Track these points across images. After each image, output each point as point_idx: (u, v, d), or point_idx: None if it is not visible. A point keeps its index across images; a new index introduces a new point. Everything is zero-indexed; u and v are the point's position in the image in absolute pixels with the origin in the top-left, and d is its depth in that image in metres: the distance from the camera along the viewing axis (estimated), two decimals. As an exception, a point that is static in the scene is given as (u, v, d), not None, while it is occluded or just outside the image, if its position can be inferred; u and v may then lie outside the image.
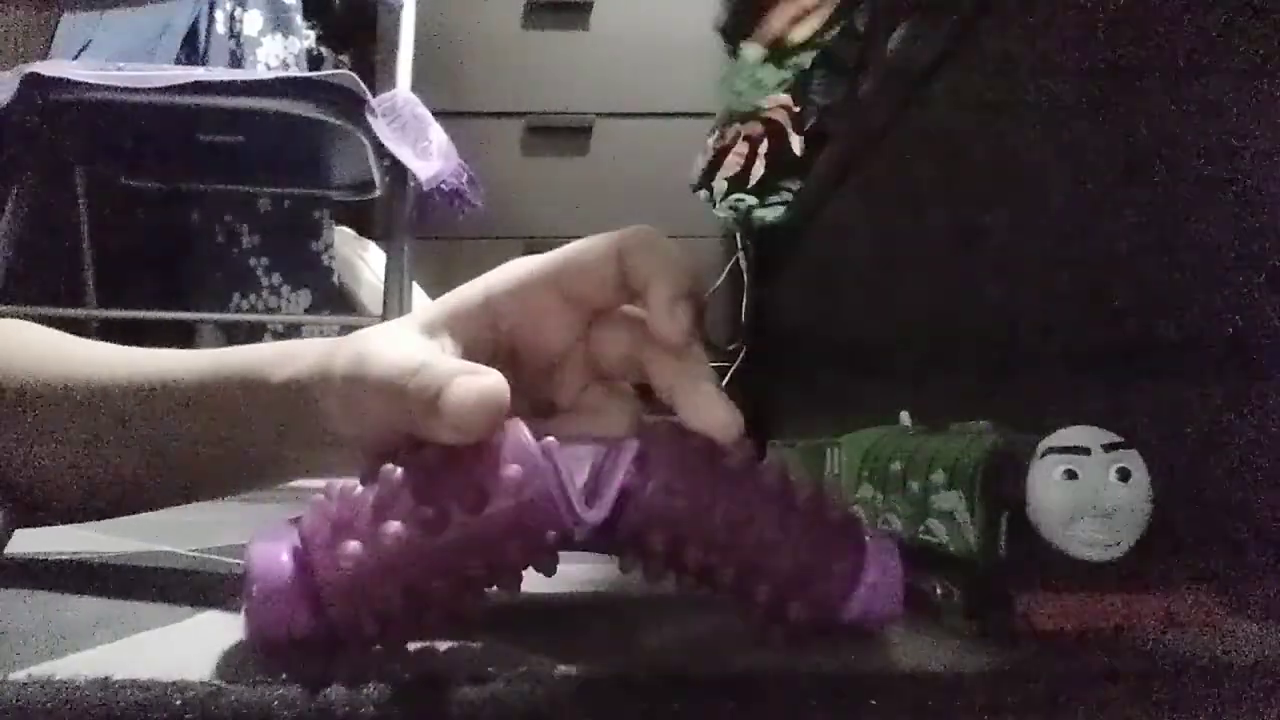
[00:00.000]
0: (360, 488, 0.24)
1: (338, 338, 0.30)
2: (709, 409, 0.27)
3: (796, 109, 1.06)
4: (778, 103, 1.09)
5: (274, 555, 0.24)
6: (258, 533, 0.25)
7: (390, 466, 0.24)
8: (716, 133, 1.21)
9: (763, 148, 1.13)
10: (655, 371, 0.28)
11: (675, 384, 0.27)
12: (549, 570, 0.26)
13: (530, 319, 0.29)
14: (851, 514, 0.27)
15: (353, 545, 0.23)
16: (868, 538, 0.27)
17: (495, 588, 0.25)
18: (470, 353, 0.29)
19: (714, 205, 1.26)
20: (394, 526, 0.23)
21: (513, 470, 0.24)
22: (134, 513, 0.39)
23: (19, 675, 0.22)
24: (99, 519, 0.39)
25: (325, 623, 0.23)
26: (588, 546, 0.26)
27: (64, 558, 0.45)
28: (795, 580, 0.26)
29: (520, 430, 0.25)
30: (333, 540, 0.23)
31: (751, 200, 1.19)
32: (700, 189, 1.27)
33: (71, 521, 0.39)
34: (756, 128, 1.12)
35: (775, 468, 0.27)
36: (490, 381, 0.25)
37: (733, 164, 1.17)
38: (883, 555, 0.27)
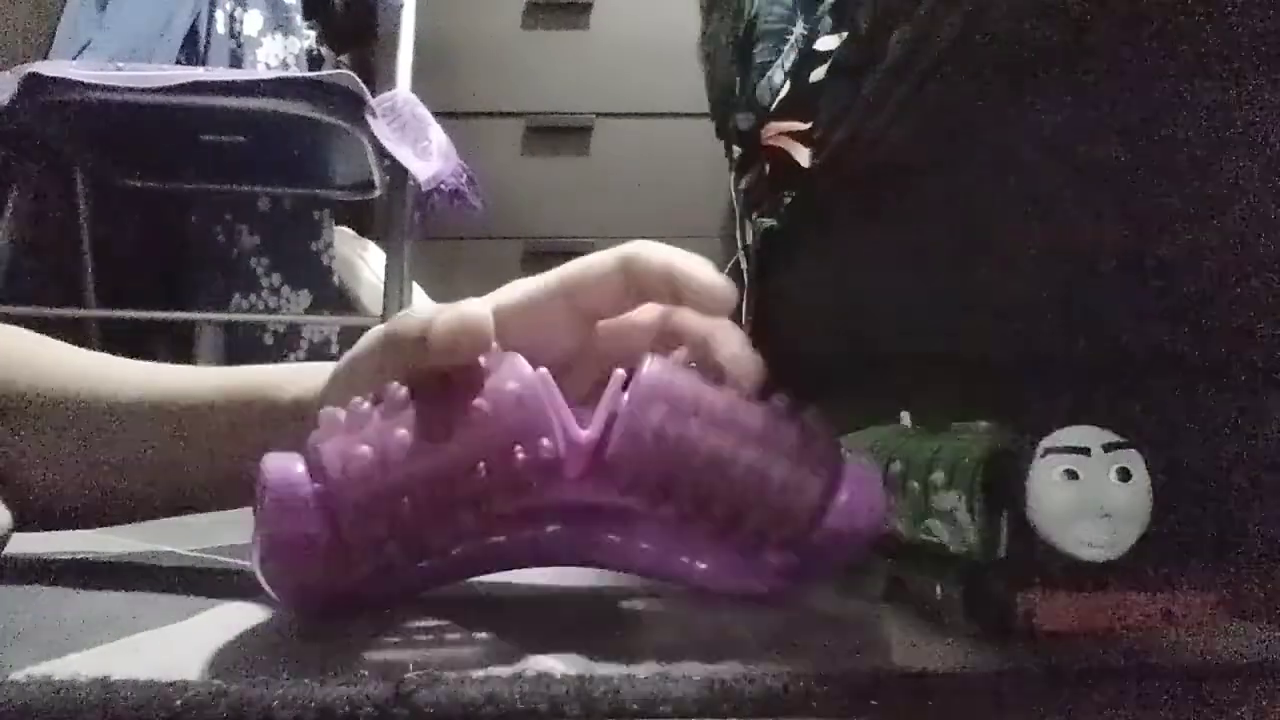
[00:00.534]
0: (368, 404, 0.26)
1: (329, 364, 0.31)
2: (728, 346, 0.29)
3: (806, 125, 1.06)
4: (779, 130, 1.09)
5: (288, 465, 0.25)
6: (271, 452, 0.26)
7: (396, 385, 0.26)
8: (745, 177, 1.22)
9: (765, 170, 1.14)
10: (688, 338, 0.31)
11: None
12: (548, 488, 0.26)
13: (539, 331, 0.31)
14: (829, 433, 0.28)
15: (363, 449, 0.24)
16: (846, 455, 0.28)
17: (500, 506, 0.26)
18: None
19: (749, 237, 1.28)
20: (401, 432, 0.24)
21: (511, 384, 0.26)
22: (140, 520, 0.39)
23: (19, 675, 0.22)
24: (103, 526, 0.40)
25: (338, 530, 0.24)
26: (584, 495, 0.28)
27: (64, 558, 0.45)
28: (775, 504, 0.27)
29: (517, 358, 0.27)
30: (343, 446, 0.24)
31: (768, 220, 1.20)
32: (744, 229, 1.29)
33: (76, 527, 0.40)
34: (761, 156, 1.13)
35: (759, 401, 0.28)
36: (471, 307, 0.27)
37: (764, 203, 1.19)
38: (860, 473, 0.28)
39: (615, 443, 0.26)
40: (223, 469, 0.34)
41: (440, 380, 0.26)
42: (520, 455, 0.25)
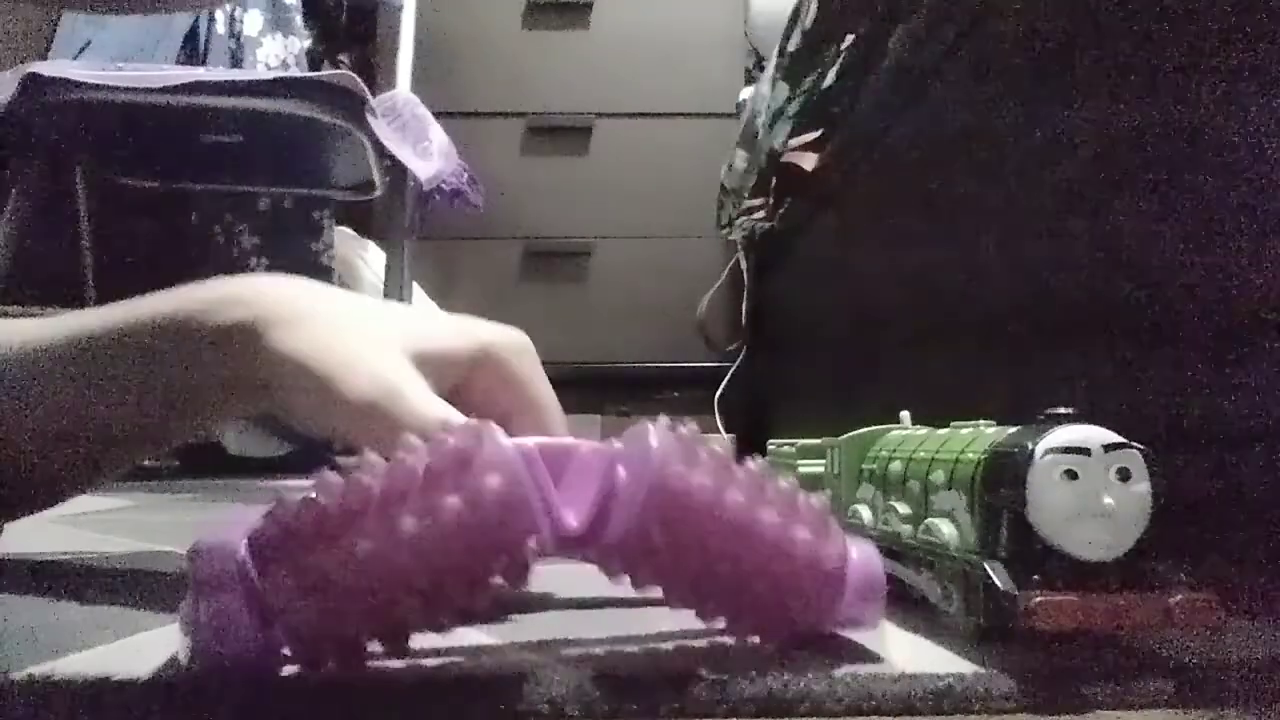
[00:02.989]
0: (321, 496, 0.22)
1: (288, 296, 0.30)
2: None
3: (817, 132, 1.06)
4: (800, 142, 1.09)
5: (223, 569, 0.22)
6: (202, 541, 0.23)
7: (358, 476, 0.22)
8: (745, 191, 1.22)
9: (773, 183, 1.14)
10: None
11: None
12: (521, 583, 0.24)
13: None
14: (834, 525, 0.27)
15: (315, 564, 0.21)
16: (851, 549, 0.27)
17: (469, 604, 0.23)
18: (440, 391, 0.30)
19: (730, 232, 1.28)
20: (364, 543, 0.21)
21: (492, 480, 0.22)
22: (101, 479, 0.38)
23: (19, 675, 0.22)
24: (67, 496, 0.38)
25: (277, 642, 0.22)
26: (568, 555, 0.25)
27: (64, 558, 0.45)
28: (773, 607, 0.25)
29: (496, 436, 0.23)
30: (292, 557, 0.22)
31: (762, 220, 1.20)
32: (723, 227, 1.29)
33: (43, 504, 0.38)
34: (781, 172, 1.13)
35: (755, 479, 0.25)
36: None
37: (760, 212, 1.19)
38: (864, 568, 0.27)
39: (612, 534, 0.24)
40: (157, 395, 0.33)
41: (411, 455, 0.23)
42: (500, 562, 0.23)
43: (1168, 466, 0.26)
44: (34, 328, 0.35)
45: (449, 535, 0.22)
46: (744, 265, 1.53)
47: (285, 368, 0.28)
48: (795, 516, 0.25)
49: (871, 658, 0.26)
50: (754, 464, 0.26)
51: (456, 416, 0.27)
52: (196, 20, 1.44)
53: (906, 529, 0.32)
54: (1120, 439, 0.26)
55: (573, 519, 0.24)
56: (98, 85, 1.05)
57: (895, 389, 0.77)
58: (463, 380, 0.32)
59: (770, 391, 1.41)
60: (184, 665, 0.22)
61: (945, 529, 0.30)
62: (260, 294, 0.30)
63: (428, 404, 0.27)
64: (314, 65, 1.53)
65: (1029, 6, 0.55)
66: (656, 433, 0.24)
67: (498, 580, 0.23)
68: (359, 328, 0.29)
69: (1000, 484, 0.27)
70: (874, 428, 0.39)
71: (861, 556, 0.27)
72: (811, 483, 0.45)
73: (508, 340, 0.33)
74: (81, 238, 1.36)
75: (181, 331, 0.30)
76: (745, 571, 0.25)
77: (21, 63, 1.07)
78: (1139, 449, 0.26)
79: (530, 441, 0.24)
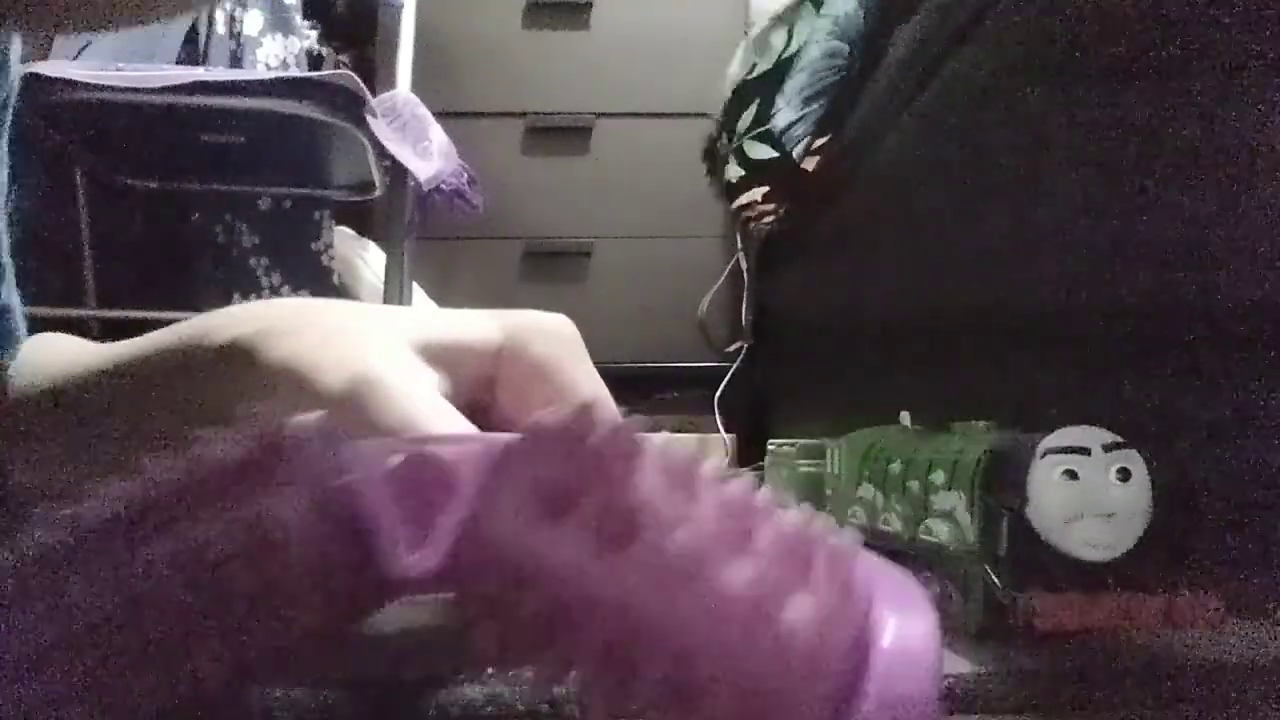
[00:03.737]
0: (41, 531, 0.16)
1: (293, 309, 0.30)
2: None
3: (826, 136, 1.06)
4: (817, 146, 1.10)
5: None
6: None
7: (93, 502, 0.16)
8: (744, 191, 1.22)
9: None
10: None
11: None
12: (347, 635, 0.17)
13: None
14: (845, 554, 0.15)
15: (28, 626, 0.15)
16: (888, 623, 0.15)
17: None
18: (459, 387, 0.29)
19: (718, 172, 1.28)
20: (76, 597, 0.15)
21: (289, 510, 0.15)
22: None
23: (19, 675, 0.22)
24: None
25: None
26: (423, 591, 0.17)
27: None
28: (735, 692, 0.15)
29: (323, 433, 0.16)
30: (5, 614, 0.15)
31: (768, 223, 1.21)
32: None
33: None
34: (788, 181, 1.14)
35: (725, 491, 0.16)
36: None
37: (767, 216, 1.19)
38: (906, 615, 0.15)
39: (453, 565, 0.16)
40: (173, 421, 0.32)
41: (201, 457, 0.16)
42: (261, 627, 0.16)
43: (1168, 466, 0.26)
44: (103, 353, 0.35)
45: (207, 587, 0.15)
46: (744, 265, 1.53)
47: (278, 373, 0.28)
48: (797, 579, 0.15)
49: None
50: (742, 485, 0.16)
51: (448, 413, 0.25)
52: (196, 20, 1.44)
53: (906, 529, 0.32)
54: (1120, 439, 0.26)
55: (415, 559, 0.16)
56: (98, 85, 1.05)
57: (895, 389, 0.77)
58: (490, 374, 0.29)
59: (770, 391, 1.41)
60: None
61: (945, 529, 0.30)
62: (268, 309, 0.30)
63: (409, 397, 0.24)
64: (314, 65, 1.53)
65: (1030, 6, 0.55)
66: (554, 415, 0.16)
67: (298, 641, 0.16)
68: (359, 327, 0.29)
69: (1000, 484, 0.27)
70: (874, 428, 0.39)
71: (899, 640, 0.15)
72: (811, 483, 0.45)
73: (539, 325, 0.30)
74: (81, 238, 1.36)
75: (194, 351, 0.30)
76: (687, 657, 0.15)
77: (22, 63, 1.07)
78: (1139, 449, 0.26)
79: (391, 448, 0.17)
